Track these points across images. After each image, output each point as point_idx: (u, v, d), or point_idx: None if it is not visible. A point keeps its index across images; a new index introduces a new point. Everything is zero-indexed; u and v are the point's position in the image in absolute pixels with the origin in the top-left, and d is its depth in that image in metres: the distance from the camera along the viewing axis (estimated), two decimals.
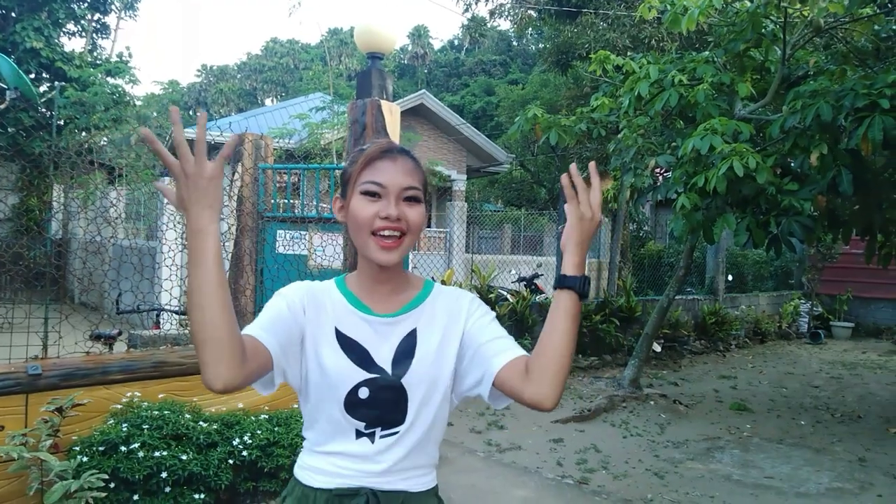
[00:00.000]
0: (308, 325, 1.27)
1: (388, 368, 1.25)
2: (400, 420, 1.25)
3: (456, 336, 1.30)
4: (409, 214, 1.23)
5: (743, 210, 4.77)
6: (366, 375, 1.24)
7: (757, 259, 12.57)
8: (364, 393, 1.24)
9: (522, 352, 1.27)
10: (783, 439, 5.52)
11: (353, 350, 1.26)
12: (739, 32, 5.08)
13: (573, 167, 1.23)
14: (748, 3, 4.98)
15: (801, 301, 12.43)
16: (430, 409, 1.28)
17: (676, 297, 7.73)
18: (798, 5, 4.74)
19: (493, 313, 1.35)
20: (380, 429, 1.25)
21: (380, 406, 1.24)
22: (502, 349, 1.26)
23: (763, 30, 5.02)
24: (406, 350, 1.27)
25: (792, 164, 4.93)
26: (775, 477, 4.56)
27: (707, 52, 5.48)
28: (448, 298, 1.35)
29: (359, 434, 1.25)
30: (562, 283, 1.21)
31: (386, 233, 1.22)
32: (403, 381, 1.25)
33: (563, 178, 1.22)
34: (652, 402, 6.41)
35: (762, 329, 11.17)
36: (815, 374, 8.54)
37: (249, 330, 1.21)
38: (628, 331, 8.49)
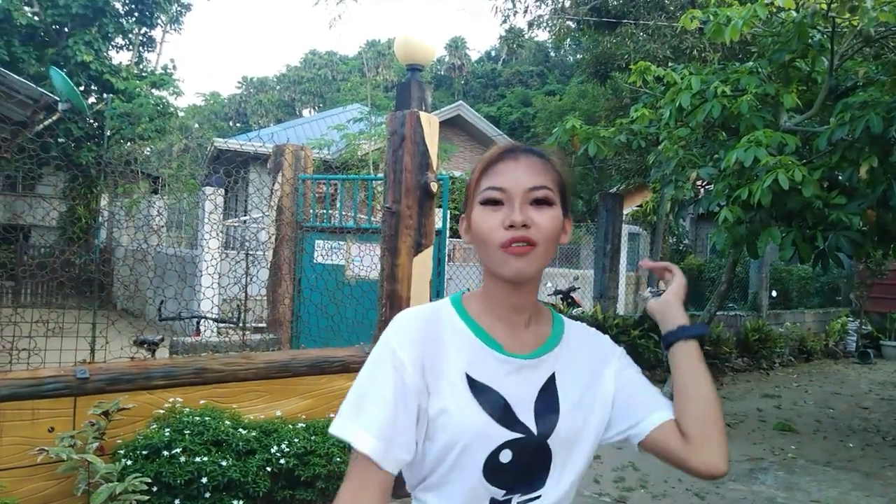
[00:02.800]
0: (430, 381, 1.02)
1: (533, 425, 1.03)
2: (540, 484, 1.04)
3: (606, 388, 1.12)
4: (539, 219, 1.00)
5: (788, 224, 4.65)
6: (509, 435, 1.01)
7: (802, 275, 12.23)
8: (507, 456, 1.00)
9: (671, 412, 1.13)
10: (830, 462, 5.33)
11: (492, 402, 1.01)
12: (785, 43, 4.97)
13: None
14: (794, 14, 4.88)
15: (849, 319, 12.02)
16: (572, 468, 1.08)
17: (718, 313, 7.56)
18: (847, 15, 4.62)
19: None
20: (518, 494, 1.03)
21: (523, 470, 1.02)
22: (657, 406, 1.12)
23: (810, 40, 4.90)
24: (548, 401, 1.05)
25: (840, 178, 4.80)
26: (822, 501, 4.40)
27: (751, 63, 5.37)
28: (586, 339, 1.16)
29: (493, 502, 1.03)
30: (686, 332, 1.14)
31: (514, 244, 0.99)
32: (550, 441, 1.03)
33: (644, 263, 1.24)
34: None
35: (808, 347, 10.83)
36: (865, 395, 8.24)
37: (382, 458, 0.96)
38: None
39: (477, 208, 1.03)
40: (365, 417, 0.98)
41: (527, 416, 1.02)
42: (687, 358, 1.13)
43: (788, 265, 11.87)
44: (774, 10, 4.92)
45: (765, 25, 5.15)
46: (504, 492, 1.01)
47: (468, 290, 1.15)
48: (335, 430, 0.99)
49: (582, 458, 1.09)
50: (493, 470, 1.00)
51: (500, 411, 1.01)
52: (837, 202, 4.40)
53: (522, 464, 1.01)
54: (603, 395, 1.11)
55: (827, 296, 12.87)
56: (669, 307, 1.19)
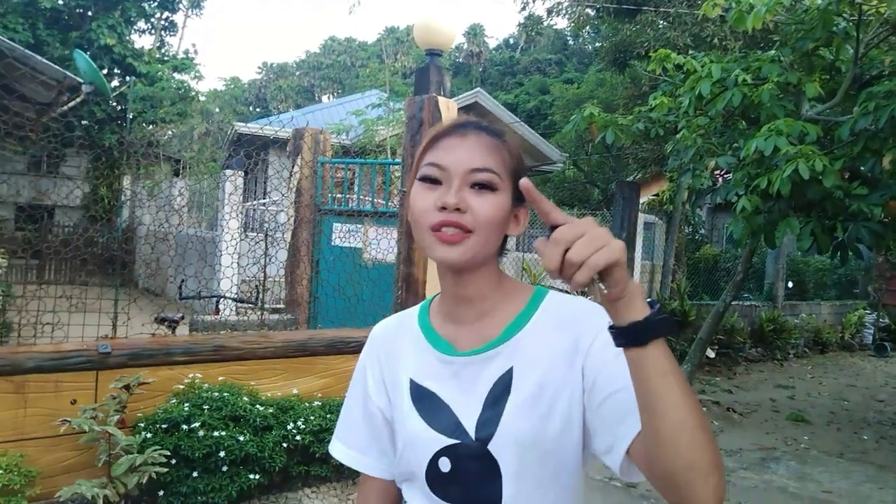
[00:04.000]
0: (391, 392, 1.02)
1: (472, 430, 0.92)
2: (495, 498, 0.90)
3: (570, 373, 0.89)
4: (476, 204, 0.89)
5: (808, 214, 4.61)
6: (445, 441, 0.92)
7: (819, 266, 12.11)
8: (445, 465, 0.92)
9: None
10: (843, 453, 5.31)
11: (430, 407, 0.95)
12: (808, 31, 4.90)
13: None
14: (818, 1, 4.80)
15: (867, 311, 11.90)
16: (536, 482, 0.90)
17: (733, 303, 7.52)
18: (873, 2, 4.54)
19: None
20: None
21: (466, 481, 0.92)
22: (630, 409, 0.79)
23: (834, 28, 4.82)
24: (496, 401, 0.91)
25: (862, 168, 4.74)
26: (834, 492, 4.40)
27: (773, 51, 5.30)
28: (559, 315, 0.95)
29: None
30: (645, 332, 0.73)
31: (444, 229, 0.89)
32: (490, 446, 0.90)
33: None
34: (705, 409, 6.23)
35: (823, 339, 10.75)
36: (881, 388, 8.18)
37: (367, 469, 1.05)
38: (681, 335, 8.31)
39: (415, 185, 0.94)
40: (341, 431, 1.09)
41: (469, 421, 0.92)
42: (661, 362, 0.73)
43: (805, 256, 11.76)
44: None
45: (788, 13, 5.08)
46: None
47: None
48: (329, 447, 1.11)
49: (553, 469, 0.90)
50: (434, 479, 0.94)
51: (437, 416, 0.94)
52: (859, 192, 4.35)
53: (463, 473, 0.92)
54: (570, 390, 0.89)
55: (844, 288, 12.74)
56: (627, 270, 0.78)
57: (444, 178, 0.91)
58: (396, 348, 1.03)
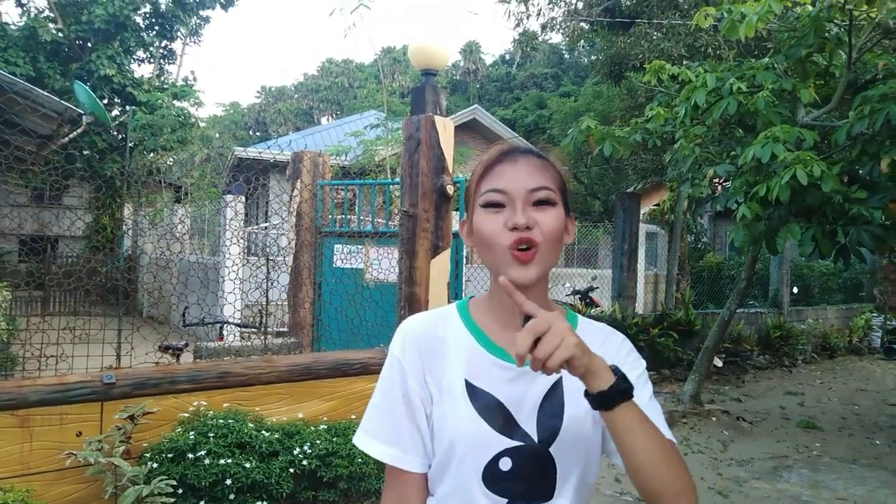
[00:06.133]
0: (432, 388, 1.05)
1: (534, 433, 1.00)
2: (548, 494, 1.01)
3: None
4: (542, 220, 1.00)
5: (808, 219, 4.61)
6: (509, 443, 1.00)
7: (824, 271, 12.07)
8: (506, 464, 0.99)
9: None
10: (856, 459, 5.26)
11: (491, 409, 1.01)
12: (801, 38, 4.93)
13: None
14: (810, 8, 4.84)
15: (874, 314, 11.83)
16: (580, 475, 1.03)
17: (738, 311, 7.49)
18: (864, 7, 4.58)
19: (643, 363, 1.09)
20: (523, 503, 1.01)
21: (525, 478, 1.00)
22: None
23: (826, 34, 4.86)
24: (552, 407, 1.02)
25: (860, 172, 4.74)
26: (849, 499, 4.35)
27: (767, 59, 5.34)
28: (596, 339, 1.08)
29: None
30: (622, 392, 0.89)
31: (520, 246, 0.99)
32: (552, 449, 1.00)
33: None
34: (714, 419, 6.21)
35: (831, 344, 10.68)
36: (891, 392, 8.10)
37: (413, 466, 1.04)
38: (687, 345, 8.27)
39: (478, 211, 1.04)
40: (376, 428, 1.06)
41: (528, 423, 1.01)
42: (626, 421, 0.89)
43: (809, 261, 11.73)
44: (790, 4, 4.89)
45: (780, 20, 5.11)
46: (506, 500, 1.00)
47: (473, 295, 1.16)
48: (356, 441, 1.08)
49: (592, 467, 1.05)
50: (492, 478, 0.99)
51: (499, 418, 1.00)
52: (858, 196, 4.35)
53: (523, 472, 0.99)
54: None
55: (850, 292, 12.67)
56: (588, 352, 0.89)
57: (507, 201, 1.02)
58: (438, 345, 1.06)
